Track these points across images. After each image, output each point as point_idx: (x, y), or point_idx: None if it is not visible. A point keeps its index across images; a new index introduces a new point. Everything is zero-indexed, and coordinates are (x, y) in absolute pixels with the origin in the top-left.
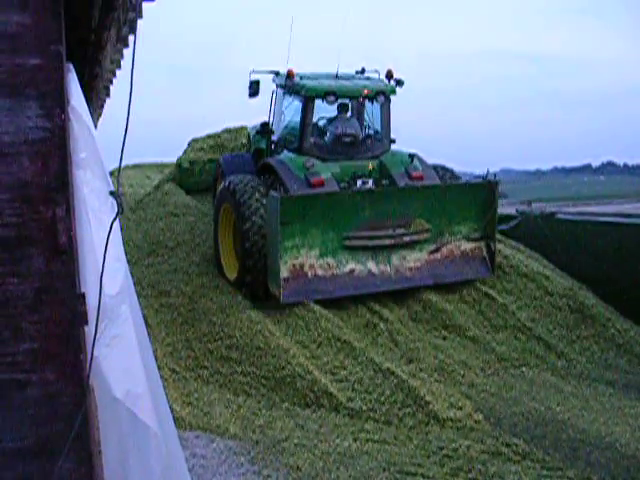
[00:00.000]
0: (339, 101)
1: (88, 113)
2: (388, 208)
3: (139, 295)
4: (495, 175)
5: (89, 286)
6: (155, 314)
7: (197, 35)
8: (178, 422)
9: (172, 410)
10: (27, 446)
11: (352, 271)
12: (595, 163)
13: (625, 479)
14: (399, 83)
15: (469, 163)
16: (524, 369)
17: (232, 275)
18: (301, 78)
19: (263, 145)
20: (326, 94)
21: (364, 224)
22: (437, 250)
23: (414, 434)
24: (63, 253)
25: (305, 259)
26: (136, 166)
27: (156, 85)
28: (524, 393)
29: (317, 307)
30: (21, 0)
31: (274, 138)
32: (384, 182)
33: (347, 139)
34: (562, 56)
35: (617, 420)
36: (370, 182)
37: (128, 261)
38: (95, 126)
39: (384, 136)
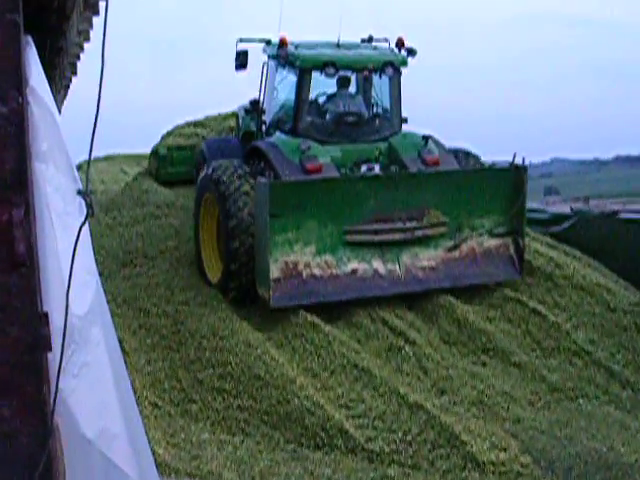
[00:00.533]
0: (340, 74)
1: (51, 95)
2: (397, 197)
3: (113, 314)
4: (523, 160)
5: (53, 304)
6: (133, 337)
7: (178, 2)
8: (161, 468)
9: (154, 453)
10: None
11: (355, 271)
12: None
13: None
14: (411, 53)
15: (511, 152)
16: (581, 401)
17: (214, 277)
18: (296, 47)
19: (254, 127)
20: (325, 65)
21: (369, 216)
22: (455, 247)
23: None
24: (21, 265)
25: (299, 257)
26: (108, 158)
27: (131, 61)
28: (582, 430)
29: (328, 328)
30: None
31: (265, 118)
32: (393, 168)
33: (350, 119)
34: (614, 21)
35: None
36: (376, 168)
37: (100, 273)
38: (59, 111)
39: (394, 115)
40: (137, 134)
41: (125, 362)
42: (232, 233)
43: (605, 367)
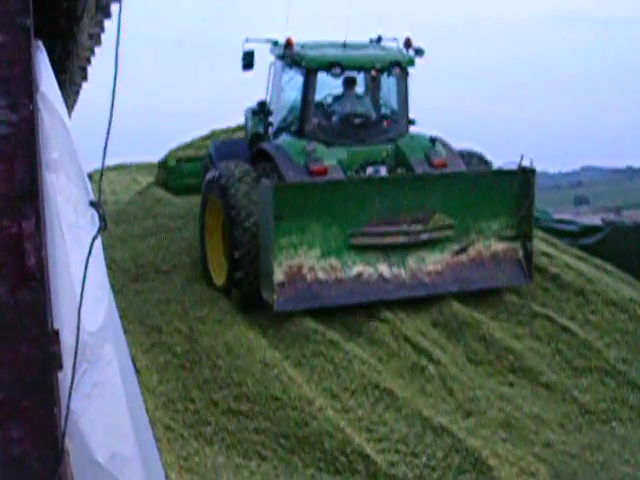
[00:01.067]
0: (346, 74)
1: (62, 101)
2: (403, 200)
3: (125, 331)
4: (532, 161)
5: (64, 321)
6: (144, 355)
7: (193, 3)
8: None
9: (167, 478)
10: None
11: (360, 275)
12: None
13: None
14: (418, 53)
15: (539, 159)
16: (614, 424)
17: (220, 280)
18: (302, 47)
19: (262, 129)
20: (331, 65)
21: (374, 219)
22: (462, 251)
23: None
24: (32, 279)
25: (304, 260)
26: (120, 167)
27: (143, 65)
28: (615, 455)
29: (349, 345)
30: None
31: (272, 120)
32: (400, 170)
33: (357, 120)
34: None
35: None
36: (382, 170)
37: (112, 288)
38: (69, 117)
39: (401, 116)
40: (150, 141)
41: (137, 382)
42: (237, 242)
43: (639, 387)
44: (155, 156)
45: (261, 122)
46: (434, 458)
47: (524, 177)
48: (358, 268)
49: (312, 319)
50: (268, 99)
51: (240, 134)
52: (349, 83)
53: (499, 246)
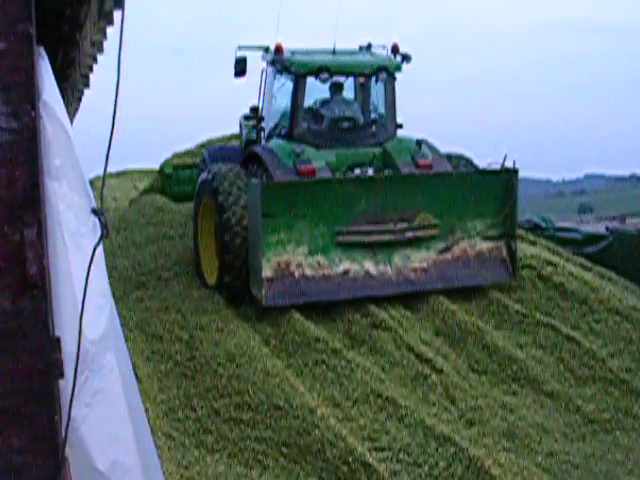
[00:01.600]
0: (334, 79)
1: (63, 109)
2: (388, 199)
3: (126, 339)
4: (515, 162)
5: (65, 328)
6: (145, 363)
7: (195, 9)
8: None
9: None
10: None
11: (346, 272)
12: None
13: None
14: (405, 58)
15: (543, 167)
16: (618, 433)
17: (211, 280)
18: (292, 54)
19: (255, 135)
20: (319, 70)
21: (360, 217)
22: (447, 249)
23: None
24: (33, 287)
25: (292, 257)
26: (121, 174)
27: (145, 72)
28: (618, 465)
29: (351, 354)
30: None
31: (265, 125)
32: (387, 171)
33: (345, 124)
34: None
35: None
36: (370, 171)
37: (113, 295)
38: (71, 124)
39: (389, 120)
40: (151, 148)
41: (138, 390)
42: (225, 226)
43: None
44: (156, 163)
45: (254, 128)
46: (437, 467)
47: (507, 177)
48: (345, 265)
49: (315, 327)
50: (260, 105)
51: (236, 142)
52: (336, 88)
53: (484, 245)
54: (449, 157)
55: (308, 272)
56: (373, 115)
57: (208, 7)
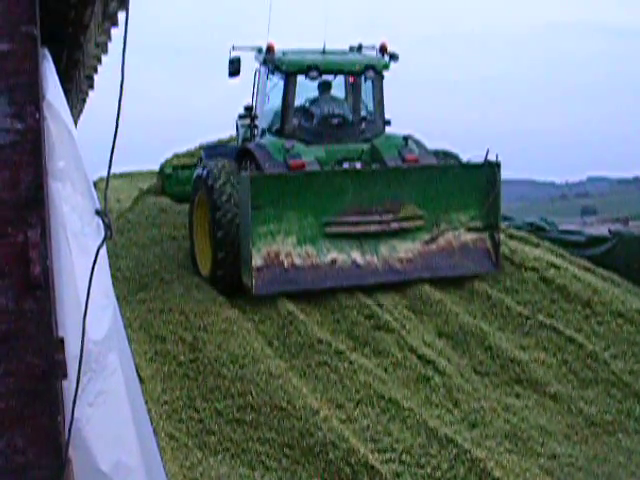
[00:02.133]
0: (322, 78)
1: (68, 110)
2: (374, 191)
3: (129, 340)
4: (497, 156)
5: (69, 329)
6: (149, 364)
7: (202, 10)
8: None
9: None
10: None
11: (334, 261)
12: None
13: None
14: (393, 57)
15: (546, 170)
16: (620, 436)
17: (205, 271)
18: (283, 54)
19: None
20: (308, 69)
21: (347, 209)
22: (432, 240)
23: None
24: (37, 288)
25: (281, 247)
26: (125, 175)
27: (150, 74)
28: (621, 467)
29: (354, 355)
30: None
31: (258, 123)
32: (374, 165)
33: (334, 121)
34: None
35: None
36: (358, 165)
37: (116, 297)
38: (75, 126)
39: (377, 117)
40: (155, 150)
41: (141, 391)
42: (218, 223)
43: None
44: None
45: (249, 126)
46: (439, 469)
47: (490, 171)
48: (332, 255)
49: (318, 329)
50: (254, 103)
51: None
52: (324, 87)
53: (468, 236)
54: (436, 153)
55: (297, 261)
56: (362, 112)
57: (209, 8)
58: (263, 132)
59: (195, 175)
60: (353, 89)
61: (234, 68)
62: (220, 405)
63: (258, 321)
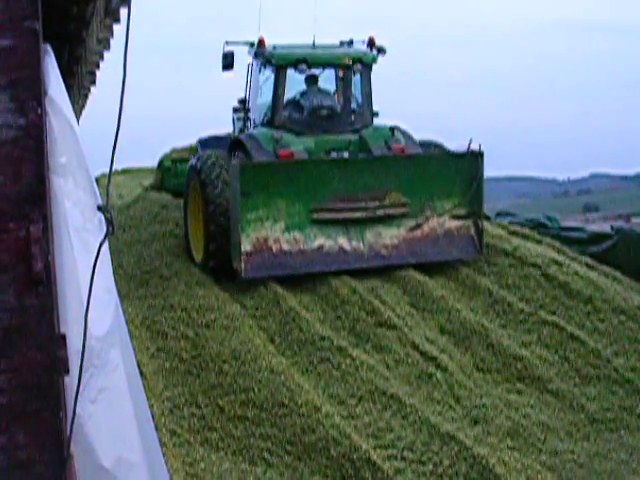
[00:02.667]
0: (310, 71)
1: (70, 106)
2: (361, 179)
3: (131, 336)
4: (480, 145)
5: (71, 325)
6: (151, 360)
7: (205, 5)
8: None
9: None
10: None
11: (321, 247)
12: None
13: None
14: (380, 51)
15: (549, 166)
16: (622, 433)
17: (199, 256)
18: (274, 48)
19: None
20: (297, 62)
21: (334, 196)
22: (417, 227)
23: None
24: (39, 283)
25: (269, 232)
26: (126, 171)
27: (152, 70)
28: (623, 464)
29: (356, 352)
30: None
31: (251, 115)
32: (361, 155)
33: (323, 112)
34: None
35: None
36: (345, 155)
37: (118, 293)
38: (77, 121)
39: (365, 109)
40: (157, 146)
41: (143, 387)
42: (210, 217)
43: None
44: None
45: (243, 119)
46: (441, 465)
47: (473, 160)
48: (319, 241)
49: (320, 325)
50: (247, 96)
51: None
52: (311, 80)
53: (452, 223)
54: (422, 144)
55: (285, 247)
56: (350, 104)
57: (209, 6)
58: (256, 124)
59: (189, 165)
60: (343, 82)
61: (227, 62)
62: (222, 401)
63: (260, 317)
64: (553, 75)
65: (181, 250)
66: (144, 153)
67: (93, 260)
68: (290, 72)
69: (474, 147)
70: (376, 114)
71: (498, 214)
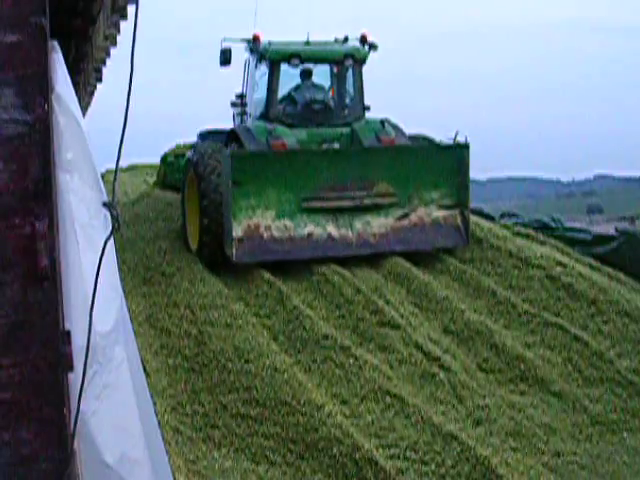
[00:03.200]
0: (304, 66)
1: (76, 102)
2: (350, 170)
3: (134, 333)
4: (466, 137)
5: (75, 321)
6: (154, 358)
7: (212, 3)
8: None
9: None
10: None
11: (310, 234)
12: None
13: None
14: (372, 47)
15: (553, 167)
16: (625, 434)
17: (194, 245)
18: (269, 44)
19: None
20: (290, 57)
21: (323, 186)
22: (405, 216)
23: None
24: (44, 279)
25: (260, 220)
26: (132, 168)
27: (158, 67)
28: (625, 466)
29: (360, 351)
30: None
31: (248, 109)
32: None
33: (316, 106)
34: None
35: None
36: (336, 146)
37: (122, 290)
38: (84, 118)
39: (356, 103)
40: (163, 142)
41: (147, 384)
42: (205, 211)
43: None
44: None
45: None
46: (443, 465)
47: (459, 152)
48: (309, 228)
49: (323, 324)
50: (244, 91)
51: None
52: (305, 74)
53: (440, 213)
54: (412, 137)
55: (275, 234)
56: (342, 98)
57: (218, 2)
58: (252, 118)
59: (185, 158)
60: (336, 77)
61: (225, 58)
62: (225, 399)
63: (263, 315)
64: (556, 75)
65: (185, 248)
66: (150, 150)
67: (99, 256)
68: (285, 68)
69: (460, 139)
70: (367, 108)
71: (502, 215)
